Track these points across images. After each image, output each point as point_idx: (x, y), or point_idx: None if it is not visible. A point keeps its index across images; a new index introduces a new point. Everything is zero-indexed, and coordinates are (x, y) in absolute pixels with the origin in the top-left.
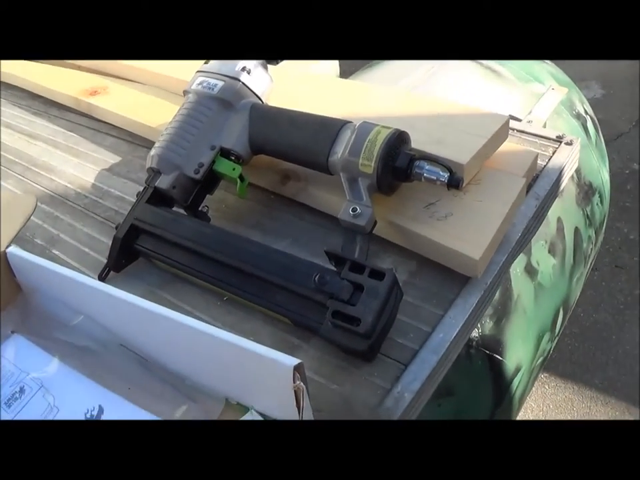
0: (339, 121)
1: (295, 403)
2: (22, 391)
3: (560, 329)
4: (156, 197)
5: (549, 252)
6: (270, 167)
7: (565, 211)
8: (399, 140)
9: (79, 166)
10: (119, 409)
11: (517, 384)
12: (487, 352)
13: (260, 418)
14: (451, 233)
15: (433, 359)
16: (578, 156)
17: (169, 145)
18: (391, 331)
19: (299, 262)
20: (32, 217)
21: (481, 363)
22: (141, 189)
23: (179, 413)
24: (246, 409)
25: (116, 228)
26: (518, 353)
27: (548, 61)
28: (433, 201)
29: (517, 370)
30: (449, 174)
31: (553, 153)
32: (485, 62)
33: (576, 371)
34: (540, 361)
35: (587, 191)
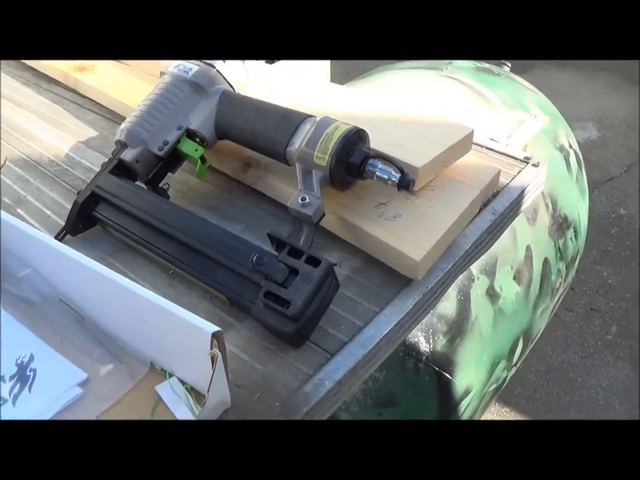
0: (302, 114)
1: (210, 371)
2: None
3: (519, 358)
4: (119, 169)
5: (514, 279)
6: (233, 154)
7: (535, 240)
8: (355, 137)
9: (57, 136)
10: (48, 360)
11: (465, 406)
12: (436, 369)
13: (180, 385)
14: (396, 233)
15: (359, 352)
16: (544, 179)
17: (138, 121)
18: (324, 321)
19: (242, 242)
20: (4, 178)
21: (429, 379)
22: None
23: (105, 370)
24: (169, 375)
25: (77, 194)
26: (469, 375)
27: (539, 92)
28: (385, 201)
29: (467, 392)
30: (400, 175)
31: (518, 173)
32: (476, 85)
33: (538, 409)
34: (493, 387)
35: (561, 224)
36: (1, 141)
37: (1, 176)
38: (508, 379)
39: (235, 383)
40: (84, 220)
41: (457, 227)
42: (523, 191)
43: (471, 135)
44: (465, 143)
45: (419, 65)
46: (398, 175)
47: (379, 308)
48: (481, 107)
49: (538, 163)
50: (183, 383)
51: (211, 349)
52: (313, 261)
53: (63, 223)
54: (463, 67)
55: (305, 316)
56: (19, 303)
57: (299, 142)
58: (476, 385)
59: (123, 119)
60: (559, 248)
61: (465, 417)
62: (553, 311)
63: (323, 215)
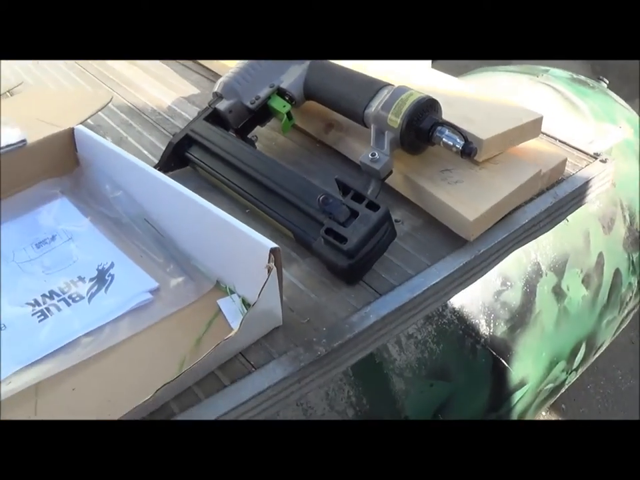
0: (381, 82)
1: (263, 283)
2: (53, 238)
3: (580, 364)
4: (213, 117)
5: (582, 282)
6: (317, 115)
7: (608, 248)
8: (427, 104)
9: (162, 91)
10: (126, 269)
11: (519, 398)
12: (494, 353)
13: (239, 300)
14: (455, 195)
15: (406, 296)
16: (611, 176)
17: (235, 76)
18: (378, 266)
19: (311, 185)
20: (108, 120)
21: (485, 362)
22: None
23: (175, 283)
24: (231, 292)
25: (173, 136)
26: (526, 368)
27: (633, 111)
28: (450, 167)
29: (521, 384)
30: (464, 142)
31: (585, 166)
32: (568, 93)
33: None
34: (550, 387)
35: (637, 238)
36: (112, 91)
37: (106, 119)
38: (567, 383)
39: (289, 307)
40: (176, 159)
41: (514, 199)
42: (587, 182)
43: (539, 120)
44: (533, 127)
45: (516, 69)
46: (462, 143)
47: (431, 262)
48: (570, 114)
49: (606, 159)
50: (243, 301)
51: (268, 262)
52: (373, 206)
53: None
54: (558, 76)
55: (360, 254)
56: (107, 221)
57: (375, 105)
58: (532, 380)
59: None
60: (632, 262)
61: (517, 409)
62: (620, 325)
63: (390, 172)
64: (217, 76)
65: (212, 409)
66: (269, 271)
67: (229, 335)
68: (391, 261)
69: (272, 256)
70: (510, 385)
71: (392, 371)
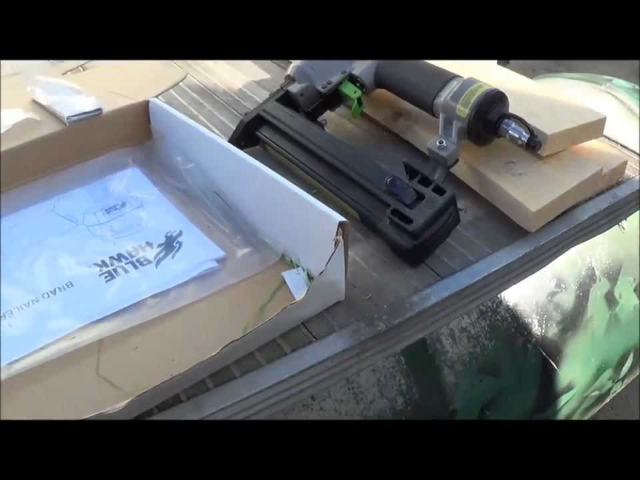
0: (451, 73)
1: (330, 255)
2: (123, 205)
3: (627, 374)
4: (285, 99)
5: (635, 291)
6: (387, 104)
7: None
8: (495, 97)
9: (233, 74)
10: (194, 237)
11: (565, 402)
12: (544, 354)
13: (303, 273)
14: (518, 186)
15: (466, 280)
16: None
17: (308, 61)
18: (440, 250)
19: (379, 167)
20: (180, 99)
21: (535, 362)
22: None
23: (241, 253)
24: (295, 265)
25: (244, 115)
26: (574, 371)
27: None
28: (514, 160)
29: (569, 388)
30: (530, 135)
31: None
32: (631, 103)
33: None
34: (596, 394)
35: None
36: (184, 72)
37: (177, 97)
38: (613, 392)
39: (351, 283)
40: (246, 138)
41: (576, 195)
42: None
43: (602, 121)
44: (596, 127)
45: (577, 77)
46: (528, 136)
47: (492, 251)
48: (632, 124)
49: None
50: (308, 275)
51: (336, 235)
52: (439, 190)
53: None
54: (621, 86)
55: (424, 235)
56: (176, 192)
57: (445, 95)
58: (579, 384)
59: None
60: None
61: (563, 413)
62: None
63: (457, 160)
64: (287, 62)
65: (272, 374)
66: (337, 243)
67: (295, 301)
68: (452, 247)
69: (340, 229)
70: (557, 387)
71: (444, 362)
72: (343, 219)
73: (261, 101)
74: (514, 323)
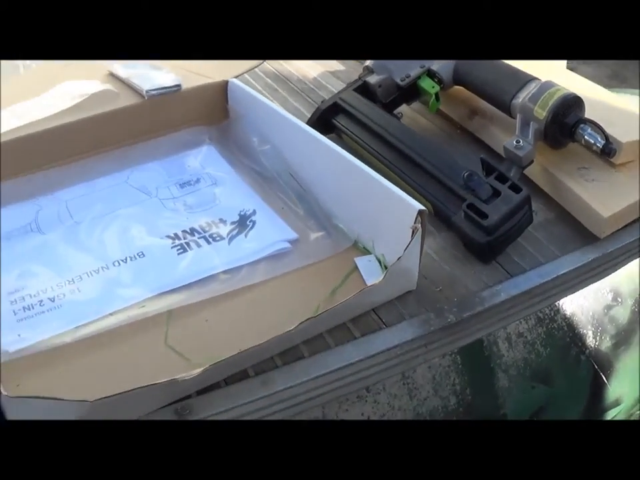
0: (530, 75)
1: (407, 242)
2: (197, 181)
3: None
4: (362, 89)
5: None
6: (463, 102)
7: None
8: (572, 101)
9: (308, 63)
10: (268, 217)
11: (612, 417)
12: (596, 366)
13: (376, 260)
14: (591, 192)
15: (536, 280)
16: None
17: None
18: (511, 249)
19: (455, 162)
20: (254, 83)
21: (586, 374)
22: None
23: (314, 237)
24: (368, 252)
25: (322, 102)
26: (623, 387)
27: None
28: (587, 166)
29: (616, 404)
30: (605, 142)
31: None
32: None
33: None
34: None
35: None
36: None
37: (252, 81)
38: None
39: (423, 274)
40: (321, 125)
41: None
42: None
43: None
44: None
45: None
46: (603, 142)
47: (561, 253)
48: None
49: None
50: (380, 262)
51: (414, 222)
52: (515, 188)
53: None
54: None
55: (499, 231)
56: (251, 172)
57: (523, 96)
58: (626, 400)
59: None
60: None
61: None
62: None
63: (532, 161)
64: None
65: (341, 357)
66: (415, 231)
67: (371, 284)
68: (523, 247)
69: (419, 217)
70: (606, 401)
71: (498, 366)
72: (422, 207)
73: (335, 91)
74: (569, 333)
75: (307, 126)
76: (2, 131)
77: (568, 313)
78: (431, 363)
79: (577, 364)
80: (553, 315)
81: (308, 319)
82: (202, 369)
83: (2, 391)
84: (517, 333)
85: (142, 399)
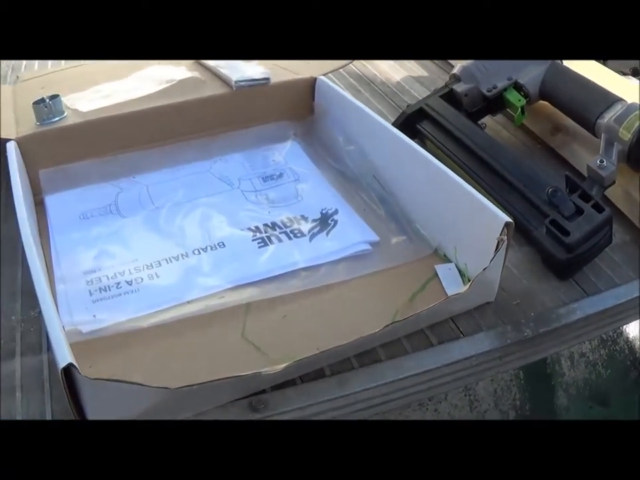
0: (616, 96)
1: (492, 254)
2: (280, 175)
3: None
4: (448, 97)
5: None
6: (546, 117)
7: None
8: None
9: (393, 67)
10: (350, 218)
11: None
12: None
13: (456, 269)
14: None
15: (611, 301)
16: None
17: (475, 63)
18: (588, 268)
19: (539, 177)
20: (337, 82)
21: None
22: None
23: (395, 240)
24: (448, 260)
25: (407, 106)
26: None
27: None
28: None
29: None
30: None
31: None
32: None
33: None
34: None
35: None
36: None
37: (335, 80)
38: None
39: (501, 286)
40: (406, 130)
41: None
42: None
43: None
44: None
45: None
46: None
47: (636, 276)
48: None
49: None
50: (460, 271)
51: (500, 234)
52: (598, 208)
53: None
54: None
55: (579, 249)
56: (335, 172)
57: (608, 116)
58: None
59: (452, 67)
60: None
61: None
62: None
63: (613, 182)
64: (445, 61)
65: (418, 362)
66: (500, 243)
67: (456, 293)
68: (599, 267)
69: (505, 229)
70: None
71: (559, 384)
72: (510, 220)
73: (418, 96)
74: (630, 356)
75: (394, 128)
76: (85, 110)
77: (630, 336)
78: (494, 376)
79: (635, 387)
80: (615, 337)
81: (392, 322)
82: (285, 365)
83: (79, 372)
84: (580, 353)
85: (221, 390)
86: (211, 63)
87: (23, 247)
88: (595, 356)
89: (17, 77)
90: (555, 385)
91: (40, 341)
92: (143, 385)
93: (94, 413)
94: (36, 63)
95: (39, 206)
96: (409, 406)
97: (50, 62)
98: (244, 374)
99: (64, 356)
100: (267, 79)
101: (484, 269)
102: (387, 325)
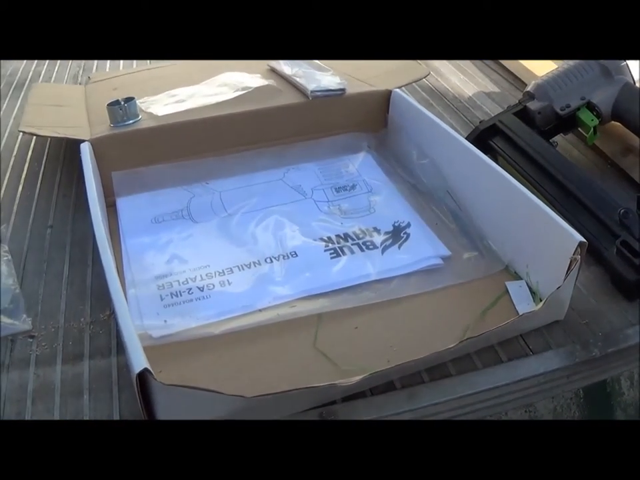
0: None
1: (565, 273)
2: (353, 187)
3: None
4: (521, 114)
5: None
6: (617, 138)
7: None
8: None
9: (464, 82)
10: (422, 232)
11: None
12: None
13: (527, 287)
14: None
15: None
16: None
17: (549, 81)
18: None
19: (610, 197)
20: (411, 97)
21: None
22: None
23: (467, 256)
24: (519, 277)
25: (480, 122)
26: None
27: None
28: None
29: None
30: None
31: None
32: None
33: None
34: None
35: None
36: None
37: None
38: None
39: (570, 305)
40: (478, 145)
41: None
42: None
43: None
44: None
45: None
46: None
47: None
48: None
49: None
50: (530, 288)
51: (573, 254)
52: None
53: None
54: None
55: None
56: (408, 185)
57: None
58: None
59: (522, 84)
60: None
61: None
62: None
63: None
64: (516, 78)
65: (488, 379)
66: (573, 262)
67: (529, 311)
68: None
69: (578, 249)
70: None
71: (618, 403)
72: (583, 239)
73: (489, 112)
74: None
75: (469, 143)
76: (160, 114)
77: None
78: (554, 394)
79: None
80: None
81: (467, 338)
82: (360, 377)
83: (155, 377)
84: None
85: (295, 399)
86: (287, 71)
87: (93, 249)
88: None
89: (89, 77)
90: (614, 405)
91: (109, 344)
92: (219, 393)
93: (165, 418)
94: (107, 63)
95: (110, 208)
96: None
97: (122, 63)
98: (319, 385)
99: (139, 360)
100: (343, 89)
101: (557, 288)
102: (462, 341)
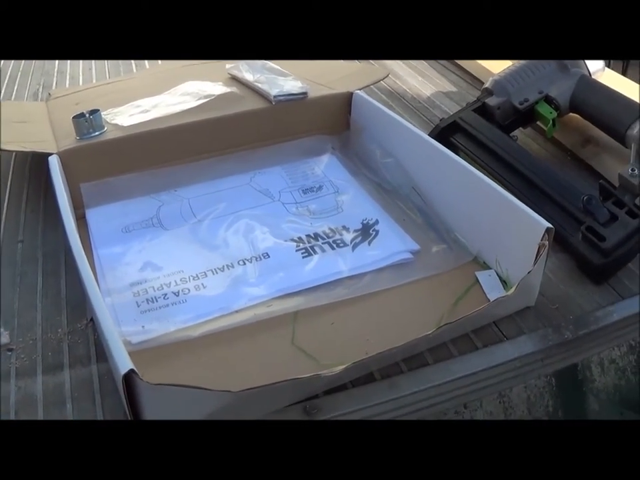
0: None
1: (534, 259)
2: (320, 188)
3: None
4: (480, 110)
5: None
6: (576, 129)
7: None
8: None
9: (422, 82)
10: (390, 228)
11: None
12: None
13: (497, 275)
14: None
15: None
16: None
17: (507, 77)
18: (622, 273)
19: (573, 186)
20: (368, 98)
21: None
22: None
23: (435, 249)
24: (488, 267)
25: (440, 120)
26: None
27: None
28: None
29: None
30: None
31: None
32: None
33: None
34: None
35: None
36: (387, 71)
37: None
38: None
39: (540, 291)
40: (440, 142)
41: None
42: None
43: None
44: None
45: None
46: None
47: None
48: None
49: None
50: (499, 277)
51: (541, 239)
52: (632, 214)
53: None
54: None
55: (615, 254)
56: (373, 184)
57: (638, 127)
58: None
59: (482, 83)
60: None
61: None
62: None
63: None
64: (474, 78)
65: (464, 365)
66: (542, 248)
67: (501, 297)
68: (632, 271)
69: (546, 235)
70: None
71: (590, 390)
72: (550, 225)
73: (449, 111)
74: None
75: (432, 139)
76: (126, 125)
77: None
78: (527, 383)
79: None
80: None
81: (442, 325)
82: (344, 366)
83: (141, 378)
84: (610, 359)
85: (280, 393)
86: (249, 78)
87: (65, 260)
88: (624, 362)
89: (49, 94)
90: (586, 391)
91: (88, 352)
92: (206, 389)
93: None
94: (67, 80)
95: (80, 221)
96: (446, 414)
97: (81, 79)
98: (304, 376)
99: (124, 362)
100: (305, 93)
101: (529, 272)
102: (439, 327)
